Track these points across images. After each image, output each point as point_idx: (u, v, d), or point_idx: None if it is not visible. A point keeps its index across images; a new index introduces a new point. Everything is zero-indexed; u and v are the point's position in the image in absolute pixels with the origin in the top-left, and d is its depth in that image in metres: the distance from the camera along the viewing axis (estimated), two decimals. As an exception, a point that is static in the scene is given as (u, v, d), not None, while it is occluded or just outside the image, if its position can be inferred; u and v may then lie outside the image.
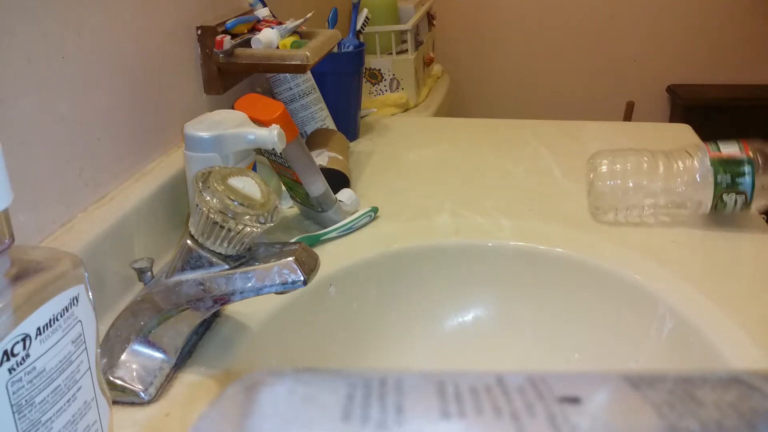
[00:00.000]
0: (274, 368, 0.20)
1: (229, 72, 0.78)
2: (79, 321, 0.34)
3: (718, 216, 0.70)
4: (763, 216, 0.73)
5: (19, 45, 0.49)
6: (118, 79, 0.62)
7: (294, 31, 0.81)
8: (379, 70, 1.37)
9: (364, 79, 1.36)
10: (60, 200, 0.54)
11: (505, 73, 2.13)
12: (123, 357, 0.48)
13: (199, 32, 0.75)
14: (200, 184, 0.46)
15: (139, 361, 0.48)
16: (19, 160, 0.49)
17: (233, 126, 0.60)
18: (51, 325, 0.32)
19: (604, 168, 0.69)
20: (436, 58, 1.67)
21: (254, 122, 0.62)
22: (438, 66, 1.69)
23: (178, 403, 0.47)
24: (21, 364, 0.30)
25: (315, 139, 0.84)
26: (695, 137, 0.96)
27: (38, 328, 0.31)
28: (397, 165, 0.89)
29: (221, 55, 0.75)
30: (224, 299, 0.48)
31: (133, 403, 0.47)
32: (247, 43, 0.77)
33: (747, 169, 0.66)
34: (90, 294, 0.35)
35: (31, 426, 0.31)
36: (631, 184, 0.68)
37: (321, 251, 0.65)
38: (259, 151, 0.69)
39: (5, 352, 0.29)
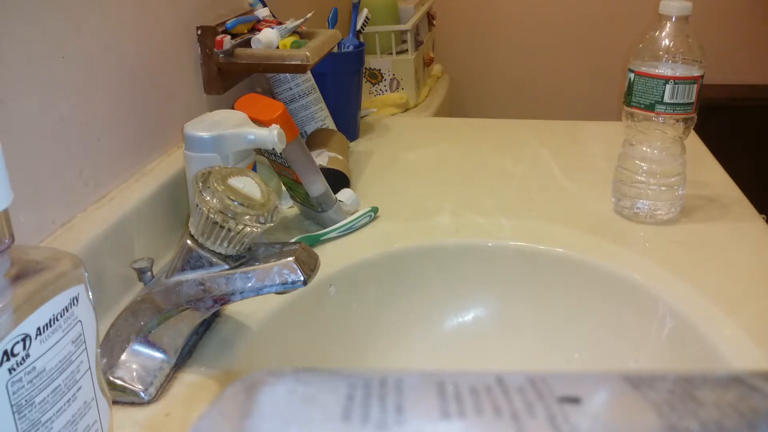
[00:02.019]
0: (274, 368, 0.20)
1: (229, 72, 0.78)
2: (79, 321, 0.34)
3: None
4: (764, 216, 0.74)
5: (19, 45, 0.49)
6: (118, 79, 0.62)
7: (294, 31, 0.81)
8: (379, 70, 1.37)
9: (364, 79, 1.36)
10: (60, 200, 0.54)
11: (505, 73, 2.13)
12: (123, 357, 0.48)
13: (199, 32, 0.75)
14: (200, 184, 0.46)
15: (139, 361, 0.48)
16: (19, 160, 0.49)
17: (233, 126, 0.60)
18: (51, 325, 0.32)
19: None
20: (436, 58, 1.67)
21: (254, 122, 0.62)
22: (438, 66, 1.69)
23: (178, 403, 0.47)
24: (21, 364, 0.30)
25: (315, 139, 0.84)
26: (695, 137, 0.96)
27: (38, 328, 0.31)
28: (397, 165, 0.89)
29: (221, 55, 0.75)
30: (224, 299, 0.48)
31: (133, 403, 0.47)
32: (247, 43, 0.77)
33: None
34: (90, 294, 0.35)
35: (31, 426, 0.31)
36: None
37: (321, 251, 0.65)
38: (259, 151, 0.69)
39: (5, 352, 0.29)
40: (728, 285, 0.60)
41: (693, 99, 0.67)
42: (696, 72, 0.67)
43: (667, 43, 0.67)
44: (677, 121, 0.68)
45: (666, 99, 0.67)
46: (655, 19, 0.68)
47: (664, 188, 0.70)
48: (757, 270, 0.63)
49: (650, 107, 0.68)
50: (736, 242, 0.68)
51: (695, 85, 0.67)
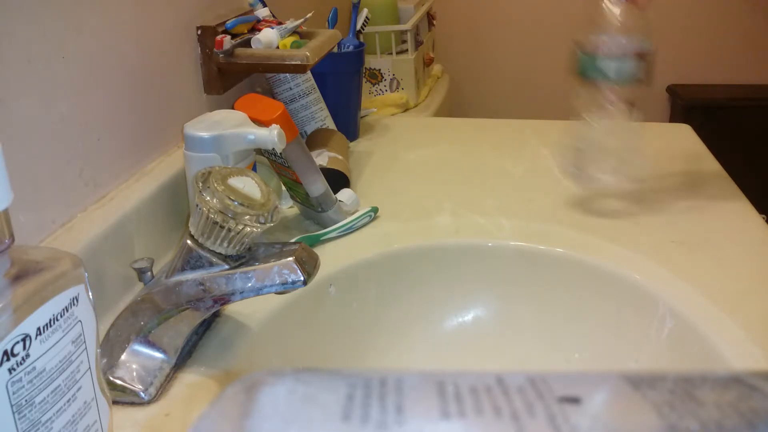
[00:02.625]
0: (274, 368, 0.20)
1: (229, 72, 0.78)
2: (79, 321, 0.34)
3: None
4: (764, 216, 0.74)
5: (19, 45, 0.49)
6: (118, 79, 0.62)
7: (294, 31, 0.81)
8: (379, 70, 1.37)
9: (364, 79, 1.36)
10: (60, 200, 0.54)
11: (505, 73, 2.13)
12: (123, 357, 0.48)
13: (199, 32, 0.75)
14: (200, 184, 0.46)
15: (139, 361, 0.48)
16: (19, 160, 0.49)
17: (233, 126, 0.60)
18: (51, 325, 0.32)
19: None
20: (436, 58, 1.67)
21: (254, 122, 0.62)
22: (438, 66, 1.69)
23: (178, 403, 0.47)
24: (21, 364, 0.30)
25: (315, 139, 0.84)
26: (695, 137, 0.96)
27: (38, 328, 0.31)
28: (397, 165, 0.89)
29: (221, 55, 0.75)
30: (224, 299, 0.48)
31: (133, 403, 0.47)
32: (247, 43, 0.77)
33: None
34: (90, 294, 0.35)
35: (31, 426, 0.31)
36: None
37: (321, 251, 0.65)
38: (259, 151, 0.69)
39: (5, 352, 0.29)
40: (728, 285, 0.60)
41: (640, 74, 0.67)
42: (642, 47, 0.67)
43: (616, 17, 0.67)
44: (625, 94, 0.68)
45: (611, 74, 0.67)
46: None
47: (615, 159, 0.70)
48: (757, 270, 0.63)
49: (594, 78, 0.68)
50: (736, 242, 0.68)
51: (642, 62, 0.67)
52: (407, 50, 1.39)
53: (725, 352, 0.52)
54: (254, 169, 0.65)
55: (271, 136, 0.59)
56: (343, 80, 0.95)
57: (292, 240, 0.65)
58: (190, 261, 0.48)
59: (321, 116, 0.89)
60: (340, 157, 0.81)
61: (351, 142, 0.97)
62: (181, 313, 0.49)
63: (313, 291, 0.61)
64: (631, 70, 0.67)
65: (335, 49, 0.92)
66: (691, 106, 1.97)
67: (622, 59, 0.66)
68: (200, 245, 0.47)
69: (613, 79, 0.67)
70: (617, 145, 0.70)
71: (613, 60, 0.66)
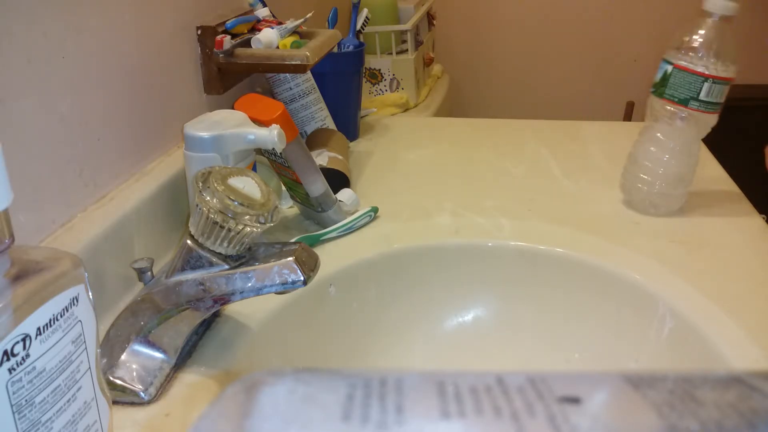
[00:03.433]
0: (274, 368, 0.20)
1: (229, 72, 0.78)
2: (79, 321, 0.34)
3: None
4: (764, 216, 0.74)
5: (19, 45, 0.49)
6: (118, 79, 0.62)
7: (294, 31, 0.81)
8: (379, 70, 1.37)
9: (364, 79, 1.36)
10: (60, 200, 0.54)
11: (505, 73, 2.13)
12: (123, 357, 0.48)
13: (199, 32, 0.75)
14: (200, 184, 0.46)
15: (139, 361, 0.48)
16: (19, 160, 0.49)
17: (233, 126, 0.60)
18: (51, 325, 0.31)
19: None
20: (436, 58, 1.67)
21: (254, 122, 0.62)
22: (438, 66, 1.69)
23: (178, 403, 0.47)
24: (21, 364, 0.30)
25: (315, 139, 0.84)
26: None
27: (38, 328, 0.31)
28: (397, 165, 0.89)
29: (221, 55, 0.75)
30: (224, 299, 0.48)
31: (133, 403, 0.47)
32: (247, 43, 0.77)
33: None
34: (90, 294, 0.35)
35: (31, 426, 0.31)
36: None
37: (321, 251, 0.65)
38: (259, 151, 0.69)
39: (5, 352, 0.29)
40: (728, 285, 0.60)
41: (722, 100, 0.68)
42: (731, 73, 0.67)
43: (710, 40, 0.67)
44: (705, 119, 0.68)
45: (702, 96, 0.67)
46: (698, 14, 0.68)
47: (671, 183, 0.71)
48: (757, 270, 0.63)
49: (684, 102, 0.68)
50: (736, 242, 0.68)
51: (727, 86, 0.67)
52: (407, 50, 1.39)
53: (725, 352, 0.52)
54: (254, 169, 0.65)
55: (271, 136, 0.59)
56: (343, 80, 0.95)
57: (292, 240, 0.65)
58: (190, 261, 0.48)
59: (321, 116, 0.89)
60: (340, 157, 0.81)
61: (351, 142, 0.97)
62: (181, 313, 0.49)
63: (313, 291, 0.61)
64: (720, 96, 0.67)
65: (335, 49, 0.92)
66: (691, 106, 1.97)
67: (716, 83, 0.66)
68: (200, 245, 0.47)
69: (703, 102, 0.67)
70: (673, 170, 0.70)
71: (708, 82, 0.66)
